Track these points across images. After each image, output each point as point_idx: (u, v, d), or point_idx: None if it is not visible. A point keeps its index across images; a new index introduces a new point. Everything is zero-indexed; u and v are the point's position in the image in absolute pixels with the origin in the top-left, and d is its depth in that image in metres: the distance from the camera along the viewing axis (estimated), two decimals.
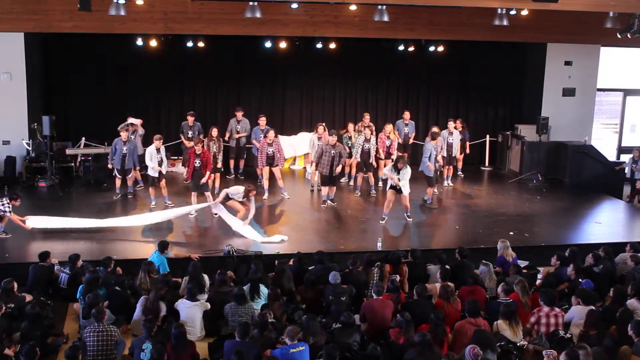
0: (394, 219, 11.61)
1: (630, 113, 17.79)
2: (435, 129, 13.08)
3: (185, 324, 7.22)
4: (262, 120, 13.80)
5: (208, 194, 11.66)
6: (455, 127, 14.33)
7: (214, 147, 12.79)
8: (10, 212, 10.29)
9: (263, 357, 6.59)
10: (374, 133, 13.42)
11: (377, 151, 13.34)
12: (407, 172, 11.29)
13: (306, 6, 13.26)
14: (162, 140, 12.11)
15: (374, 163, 13.35)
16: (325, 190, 12.44)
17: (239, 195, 10.74)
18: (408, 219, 11.58)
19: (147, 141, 13.17)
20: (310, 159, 14.80)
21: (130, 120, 13.37)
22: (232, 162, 14.59)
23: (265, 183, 12.96)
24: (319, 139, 13.53)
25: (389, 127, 13.75)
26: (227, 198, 10.83)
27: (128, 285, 8.37)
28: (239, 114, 14.26)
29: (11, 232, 10.50)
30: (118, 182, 12.56)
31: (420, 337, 6.44)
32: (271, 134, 12.69)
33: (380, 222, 11.37)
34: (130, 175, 12.63)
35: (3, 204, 10.26)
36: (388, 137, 13.63)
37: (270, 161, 12.72)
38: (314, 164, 12.54)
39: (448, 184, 14.46)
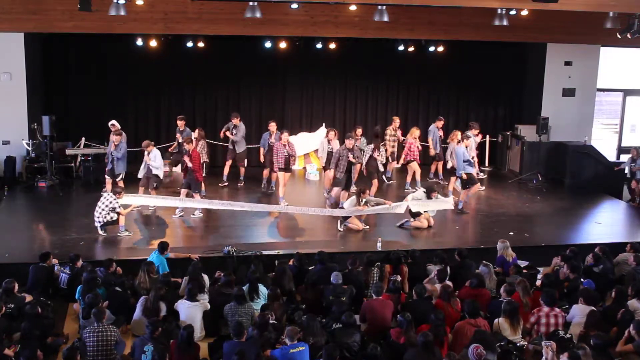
0: (394, 220, 11.60)
1: (630, 113, 17.77)
2: (468, 131, 13.42)
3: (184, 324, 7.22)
4: (273, 126, 13.25)
5: (197, 195, 11.59)
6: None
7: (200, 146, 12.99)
8: (119, 205, 10.34)
9: (263, 357, 6.60)
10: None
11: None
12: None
13: (306, 6, 13.24)
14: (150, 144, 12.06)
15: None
16: (335, 191, 12.02)
17: (354, 202, 10.92)
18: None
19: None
20: (314, 161, 14.89)
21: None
22: (226, 168, 13.96)
23: (281, 190, 12.41)
24: (329, 142, 13.20)
25: (417, 132, 13.84)
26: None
27: (128, 286, 8.38)
28: (236, 120, 13.59)
29: (12, 232, 10.51)
30: (108, 186, 12.23)
31: (423, 338, 6.45)
32: (285, 135, 12.37)
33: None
34: (119, 179, 12.30)
35: (111, 202, 10.30)
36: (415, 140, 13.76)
37: (287, 164, 12.34)
38: (332, 170, 12.08)
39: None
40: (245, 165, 14.00)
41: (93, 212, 10.45)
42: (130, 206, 10.76)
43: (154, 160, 11.83)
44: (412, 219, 11.34)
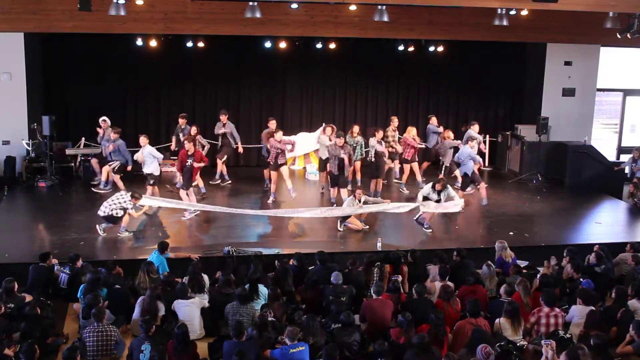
0: (394, 220, 11.60)
1: (630, 113, 17.78)
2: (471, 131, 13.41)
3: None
4: (272, 124, 13.29)
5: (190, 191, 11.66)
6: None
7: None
8: (132, 207, 10.36)
9: (263, 357, 6.60)
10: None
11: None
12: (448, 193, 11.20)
13: (306, 6, 13.25)
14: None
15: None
16: (333, 192, 12.11)
17: (352, 201, 10.90)
18: (425, 230, 11.26)
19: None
20: (313, 161, 14.87)
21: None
22: (219, 167, 13.90)
23: (273, 187, 12.59)
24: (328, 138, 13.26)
25: (414, 130, 13.81)
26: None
27: (128, 285, 8.37)
28: (224, 117, 13.59)
29: (12, 232, 10.49)
30: (120, 184, 12.46)
31: (419, 339, 6.45)
32: (279, 134, 12.44)
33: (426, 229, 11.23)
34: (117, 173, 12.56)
35: (125, 201, 10.29)
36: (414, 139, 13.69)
37: (275, 161, 12.45)
38: (330, 164, 12.12)
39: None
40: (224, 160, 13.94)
41: (93, 212, 10.45)
42: (143, 208, 10.83)
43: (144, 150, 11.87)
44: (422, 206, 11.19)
